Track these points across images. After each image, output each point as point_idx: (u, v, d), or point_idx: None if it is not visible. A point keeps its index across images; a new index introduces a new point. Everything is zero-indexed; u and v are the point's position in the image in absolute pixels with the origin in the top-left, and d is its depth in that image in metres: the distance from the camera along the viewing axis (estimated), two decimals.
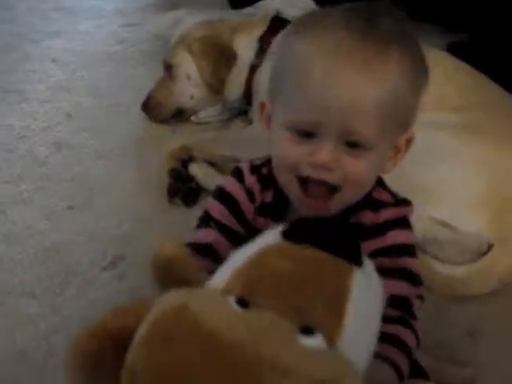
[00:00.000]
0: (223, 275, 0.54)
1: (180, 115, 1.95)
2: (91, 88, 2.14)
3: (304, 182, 0.81)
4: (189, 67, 1.87)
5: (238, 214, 0.90)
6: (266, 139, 0.90)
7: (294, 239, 0.53)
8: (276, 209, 0.89)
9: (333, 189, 0.81)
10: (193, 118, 1.95)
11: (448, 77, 1.57)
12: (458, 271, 1.34)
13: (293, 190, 0.83)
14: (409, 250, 0.91)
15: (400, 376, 0.82)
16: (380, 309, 0.59)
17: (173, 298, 0.51)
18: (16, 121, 1.98)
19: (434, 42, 1.81)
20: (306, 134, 0.79)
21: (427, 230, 1.31)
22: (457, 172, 1.33)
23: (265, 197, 0.91)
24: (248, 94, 1.83)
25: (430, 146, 1.34)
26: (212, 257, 0.88)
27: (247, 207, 0.90)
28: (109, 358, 0.54)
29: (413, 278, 0.91)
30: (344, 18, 0.78)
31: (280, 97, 0.83)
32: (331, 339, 0.50)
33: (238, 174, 0.92)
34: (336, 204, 0.83)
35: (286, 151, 0.81)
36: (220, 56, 1.83)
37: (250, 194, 0.90)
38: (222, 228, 0.91)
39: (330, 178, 0.80)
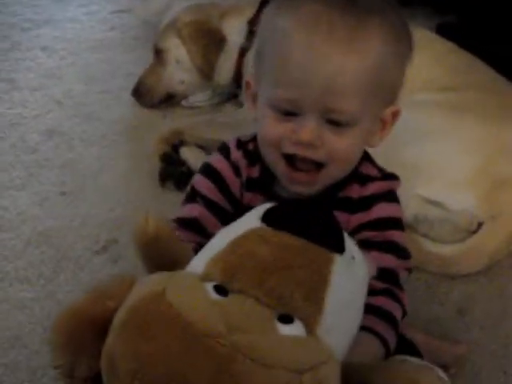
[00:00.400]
0: (204, 258, 0.53)
1: (170, 100, 1.95)
2: (82, 75, 2.14)
3: (290, 158, 0.82)
4: (178, 52, 1.87)
5: (225, 189, 0.91)
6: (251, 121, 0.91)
7: (275, 224, 0.51)
8: (263, 184, 0.90)
9: (319, 165, 0.82)
10: (183, 102, 1.95)
11: (438, 58, 1.57)
12: (448, 250, 1.35)
13: (279, 166, 0.84)
14: (395, 223, 0.92)
15: (386, 347, 0.83)
16: (363, 295, 0.58)
17: (152, 283, 0.49)
18: (7, 109, 1.98)
19: (423, 24, 1.81)
20: (290, 113, 0.80)
21: (417, 209, 1.32)
22: (447, 151, 1.34)
23: (251, 172, 0.91)
24: (238, 78, 1.84)
25: (421, 126, 1.35)
26: (198, 231, 0.89)
27: (233, 182, 0.90)
28: (88, 340, 0.55)
29: (399, 251, 0.92)
30: None
31: (263, 75, 0.83)
32: (310, 327, 0.49)
33: (224, 150, 0.92)
34: (323, 179, 0.84)
35: (270, 129, 0.82)
36: (209, 40, 1.83)
37: (235, 168, 0.90)
38: (208, 203, 0.91)
39: (315, 155, 0.80)
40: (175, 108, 1.95)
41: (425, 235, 1.35)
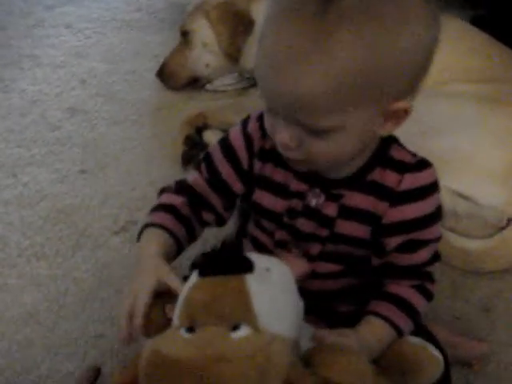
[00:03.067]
0: (176, 313, 0.74)
1: (195, 83, 1.92)
2: (106, 54, 2.12)
3: None
4: (205, 34, 1.84)
5: (233, 159, 0.91)
6: None
7: (204, 274, 0.73)
8: (276, 156, 0.86)
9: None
10: (208, 86, 1.93)
11: (475, 49, 1.53)
12: (475, 245, 1.31)
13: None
14: (433, 218, 0.87)
15: (399, 333, 0.87)
16: (289, 289, 0.76)
17: (148, 346, 0.70)
18: (29, 85, 1.97)
19: (457, 16, 1.77)
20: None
21: (446, 202, 1.28)
22: (480, 144, 1.30)
23: (265, 143, 0.89)
24: None
25: (454, 117, 1.32)
26: (189, 197, 0.93)
27: (242, 153, 0.90)
28: None
29: (434, 245, 0.90)
30: None
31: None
32: (253, 326, 0.68)
33: (244, 121, 0.92)
34: (318, 164, 0.80)
35: (266, 120, 0.80)
36: (237, 23, 1.79)
37: (248, 140, 0.90)
38: (211, 171, 0.93)
39: (294, 155, 0.77)
40: (200, 91, 1.93)
41: (452, 229, 1.31)
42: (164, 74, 1.91)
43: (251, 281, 0.71)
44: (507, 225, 1.30)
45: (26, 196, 1.54)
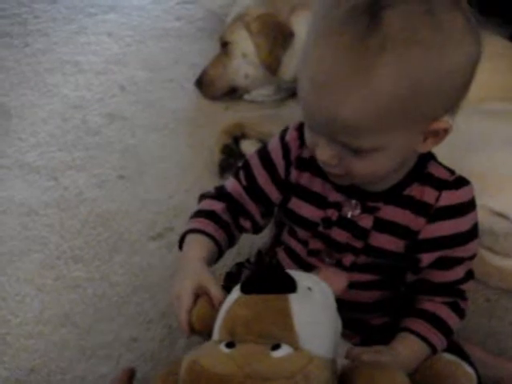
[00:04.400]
0: (217, 327, 0.75)
1: (233, 93, 1.94)
2: (146, 62, 2.15)
3: None
4: (245, 45, 1.85)
5: (270, 168, 0.94)
6: None
7: (246, 291, 0.74)
8: (314, 165, 0.88)
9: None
10: (246, 96, 1.94)
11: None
12: (511, 264, 1.31)
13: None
14: (469, 236, 0.89)
15: (433, 350, 0.89)
16: (329, 307, 0.77)
17: (188, 357, 0.71)
18: (71, 91, 2.00)
19: (497, 33, 1.77)
20: None
21: (483, 221, 1.26)
22: None
23: (302, 152, 0.91)
24: None
25: (492, 135, 1.32)
26: (228, 203, 0.96)
27: (279, 163, 0.93)
28: None
29: (468, 264, 0.91)
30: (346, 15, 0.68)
31: None
32: (294, 345, 0.68)
33: (283, 131, 0.94)
34: (356, 181, 0.82)
35: (305, 132, 0.82)
36: (278, 35, 1.81)
37: (285, 149, 0.92)
38: (249, 180, 0.95)
39: (334, 171, 0.79)
40: (237, 101, 1.94)
41: (488, 248, 1.31)
42: (203, 83, 1.93)
43: (294, 300, 0.72)
44: None
45: (65, 199, 1.57)
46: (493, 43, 1.55)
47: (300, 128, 0.92)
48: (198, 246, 0.90)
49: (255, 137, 1.64)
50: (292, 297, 0.72)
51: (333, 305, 0.79)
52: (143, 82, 2.04)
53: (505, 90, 1.44)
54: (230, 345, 0.69)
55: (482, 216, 1.24)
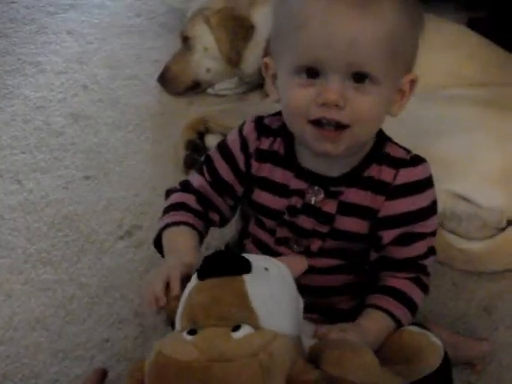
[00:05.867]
0: (178, 316, 0.77)
1: (196, 88, 1.94)
2: (108, 60, 2.13)
3: (316, 124, 0.82)
4: (206, 39, 1.85)
5: (231, 162, 0.96)
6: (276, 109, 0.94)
7: (203, 277, 0.75)
8: (274, 155, 0.93)
9: (344, 127, 0.81)
10: (209, 90, 1.94)
11: (472, 53, 1.56)
12: (476, 246, 1.33)
13: (306, 132, 0.83)
14: (428, 212, 0.92)
15: (398, 325, 0.90)
16: (289, 287, 0.79)
17: (152, 349, 0.72)
18: (32, 92, 1.98)
19: (453, 19, 1.79)
20: (313, 74, 0.80)
21: (446, 204, 1.30)
22: (478, 146, 1.31)
23: (261, 143, 0.94)
24: None
25: (453, 120, 1.34)
26: (196, 197, 0.97)
27: (239, 155, 0.95)
28: None
29: (429, 239, 0.94)
30: None
31: (282, 48, 0.84)
32: (254, 325, 0.69)
33: (241, 125, 0.97)
34: (348, 139, 0.83)
35: (295, 96, 0.82)
36: (238, 28, 1.81)
37: (243, 142, 0.95)
38: (212, 174, 0.98)
39: (340, 116, 0.80)
40: (201, 96, 1.94)
41: (452, 231, 1.33)
42: (165, 79, 1.92)
43: (249, 281, 0.73)
44: (507, 226, 1.31)
45: (30, 202, 1.55)
46: (451, 31, 1.58)
47: (257, 120, 0.96)
48: (186, 237, 0.92)
49: (219, 131, 1.63)
50: (247, 277, 0.73)
51: (292, 283, 0.80)
52: (105, 80, 2.03)
53: (463, 77, 1.46)
54: (192, 332, 0.70)
55: (444, 200, 1.29)
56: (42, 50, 2.21)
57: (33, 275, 1.36)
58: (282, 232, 0.95)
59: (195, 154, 1.60)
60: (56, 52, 2.19)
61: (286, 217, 0.93)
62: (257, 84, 1.93)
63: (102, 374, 1.09)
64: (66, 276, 1.36)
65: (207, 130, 1.66)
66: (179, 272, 0.81)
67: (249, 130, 0.95)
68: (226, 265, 0.75)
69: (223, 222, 1.02)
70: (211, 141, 1.62)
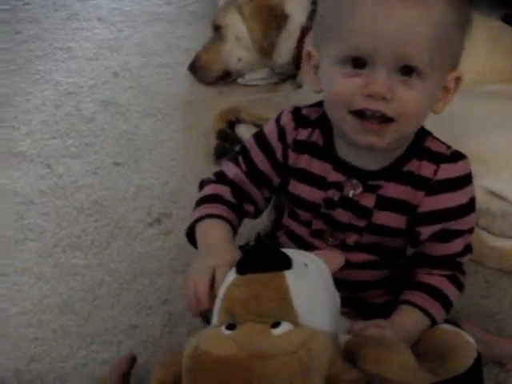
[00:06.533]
0: (216, 311, 0.76)
1: (227, 77, 1.93)
2: (138, 48, 2.13)
3: (359, 114, 0.80)
4: (238, 29, 1.84)
5: (268, 152, 0.94)
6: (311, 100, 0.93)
7: (242, 272, 0.74)
8: (312, 147, 0.91)
9: (388, 120, 0.80)
10: (240, 80, 1.94)
11: (507, 49, 1.53)
12: (509, 244, 1.31)
13: (347, 123, 0.82)
14: (467, 209, 0.90)
15: (433, 322, 0.88)
16: (327, 283, 0.78)
17: (190, 343, 0.72)
18: (63, 77, 1.99)
19: (489, 15, 1.76)
20: (359, 65, 0.78)
21: (480, 201, 1.26)
22: None
23: (298, 134, 0.92)
24: (298, 58, 1.80)
25: (490, 116, 1.32)
26: (231, 188, 0.95)
27: (276, 145, 0.94)
28: None
29: (466, 236, 0.92)
30: None
31: (328, 36, 0.82)
32: (293, 322, 0.69)
33: (278, 115, 0.95)
34: (391, 133, 0.81)
35: (340, 85, 0.80)
36: (271, 18, 1.80)
37: (281, 132, 0.93)
38: (248, 164, 0.96)
39: (385, 108, 0.78)
40: (231, 85, 1.94)
41: (486, 228, 1.31)
42: (196, 68, 1.92)
43: (290, 277, 0.72)
44: None
45: (60, 187, 1.56)
46: (489, 27, 1.55)
47: (295, 111, 0.93)
48: (222, 231, 0.90)
49: (250, 121, 1.62)
50: (288, 273, 0.72)
51: (330, 280, 0.79)
52: (136, 68, 2.03)
53: (501, 73, 1.44)
54: (230, 327, 0.70)
55: (479, 197, 1.25)
56: (72, 36, 2.22)
57: (62, 259, 1.37)
58: (318, 224, 0.94)
59: (226, 143, 1.60)
60: (87, 38, 2.20)
61: (323, 209, 0.92)
62: (288, 75, 1.92)
63: (132, 360, 1.09)
64: (95, 261, 1.36)
65: (238, 120, 1.65)
66: (224, 274, 0.79)
67: (286, 121, 0.93)
68: (267, 260, 0.74)
69: (257, 214, 1.00)
70: (242, 131, 1.62)
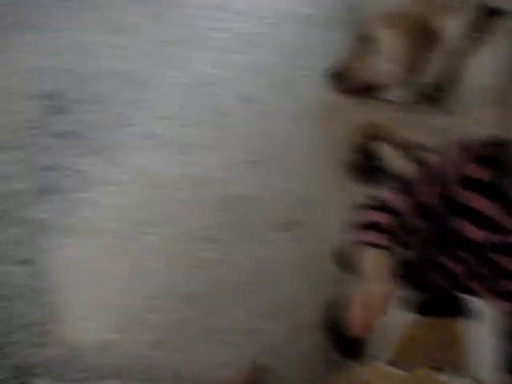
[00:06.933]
0: (384, 346, 0.75)
1: (368, 90, 1.89)
2: (280, 47, 2.12)
3: None
4: (387, 42, 1.79)
5: (436, 185, 0.90)
6: (459, 130, 0.87)
7: (424, 314, 0.74)
8: (485, 187, 0.86)
9: None
10: (381, 94, 1.89)
11: None
12: None
13: None
14: None
15: None
16: (497, 331, 0.75)
17: (353, 373, 0.72)
18: (204, 67, 1.99)
19: None
20: None
21: None
22: None
23: (467, 170, 0.87)
24: (444, 80, 1.74)
25: None
26: (395, 217, 0.91)
27: (443, 179, 0.89)
28: None
29: None
30: None
31: None
32: (462, 371, 0.68)
33: (445, 148, 0.90)
34: None
35: None
36: (423, 36, 1.74)
37: (449, 166, 0.89)
38: (414, 197, 0.92)
39: None
40: (371, 98, 1.89)
41: None
42: (339, 76, 1.88)
43: (467, 325, 0.72)
44: None
45: (192, 177, 1.57)
46: None
47: (464, 147, 0.88)
48: (383, 262, 0.87)
49: (391, 141, 1.59)
50: (467, 322, 0.73)
51: (500, 332, 0.76)
52: (277, 67, 2.01)
53: None
54: (398, 365, 0.69)
55: None
56: (214, 26, 2.22)
57: (190, 250, 1.38)
58: (480, 268, 0.89)
59: (364, 158, 1.57)
60: (226, 30, 2.20)
61: (490, 253, 0.87)
62: (429, 95, 1.86)
63: (262, 374, 1.08)
64: (221, 257, 1.36)
65: (375, 137, 1.61)
66: (391, 305, 0.77)
67: (455, 155, 0.89)
68: (450, 306, 0.74)
69: (416, 246, 0.97)
70: (385, 149, 1.58)
